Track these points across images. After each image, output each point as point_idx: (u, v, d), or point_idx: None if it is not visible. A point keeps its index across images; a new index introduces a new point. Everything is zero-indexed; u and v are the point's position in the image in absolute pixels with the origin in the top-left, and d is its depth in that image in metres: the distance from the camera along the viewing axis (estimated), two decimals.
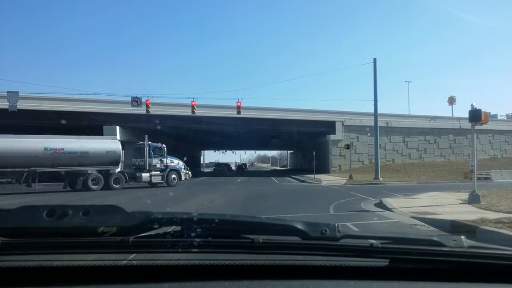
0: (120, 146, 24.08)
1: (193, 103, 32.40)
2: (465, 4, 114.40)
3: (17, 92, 27.84)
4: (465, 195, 13.74)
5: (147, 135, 25.35)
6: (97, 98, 36.68)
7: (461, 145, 48.58)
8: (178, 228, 1.41)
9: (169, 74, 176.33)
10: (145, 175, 24.48)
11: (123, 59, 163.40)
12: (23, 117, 29.89)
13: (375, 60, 33.11)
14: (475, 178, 12.96)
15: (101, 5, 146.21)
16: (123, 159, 25.03)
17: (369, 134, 40.49)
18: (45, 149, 21.28)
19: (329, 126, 43.36)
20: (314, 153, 37.30)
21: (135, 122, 35.70)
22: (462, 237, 1.45)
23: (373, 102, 33.37)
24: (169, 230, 1.43)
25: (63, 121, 28.52)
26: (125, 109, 34.39)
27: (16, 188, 21.83)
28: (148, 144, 25.10)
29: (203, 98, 45.82)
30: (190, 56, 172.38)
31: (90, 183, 22.52)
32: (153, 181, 24.69)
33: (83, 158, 22.37)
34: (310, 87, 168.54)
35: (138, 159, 25.74)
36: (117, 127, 35.07)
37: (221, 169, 54.39)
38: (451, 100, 55.56)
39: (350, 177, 32.87)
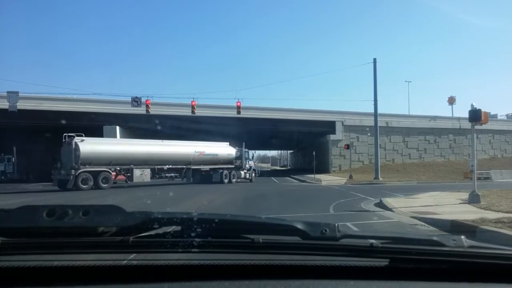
0: (234, 150, 31.20)
1: (193, 103, 32.37)
2: (465, 4, 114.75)
3: (17, 92, 27.82)
4: (465, 195, 13.73)
5: (244, 142, 32.12)
6: (97, 98, 36.62)
7: (461, 145, 48.58)
8: (178, 228, 1.41)
9: (169, 76, 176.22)
10: (243, 173, 32.32)
11: (125, 60, 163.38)
12: (23, 117, 29.91)
13: (375, 60, 33.12)
14: (475, 178, 12.94)
15: (105, 9, 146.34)
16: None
17: (369, 134, 40.50)
18: (195, 151, 28.21)
19: (329, 126, 43.33)
20: (314, 153, 37.30)
21: (135, 122, 35.69)
22: (462, 237, 1.44)
23: (373, 102, 33.42)
24: (169, 230, 1.42)
25: (63, 121, 28.53)
26: (125, 109, 34.37)
27: (178, 181, 28.60)
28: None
29: (203, 98, 45.74)
30: (191, 57, 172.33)
31: (223, 177, 29.53)
32: (247, 177, 32.63)
33: (215, 159, 29.74)
34: (311, 87, 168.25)
35: None
36: (117, 127, 35.08)
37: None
38: (451, 100, 55.50)
39: (350, 177, 32.88)
